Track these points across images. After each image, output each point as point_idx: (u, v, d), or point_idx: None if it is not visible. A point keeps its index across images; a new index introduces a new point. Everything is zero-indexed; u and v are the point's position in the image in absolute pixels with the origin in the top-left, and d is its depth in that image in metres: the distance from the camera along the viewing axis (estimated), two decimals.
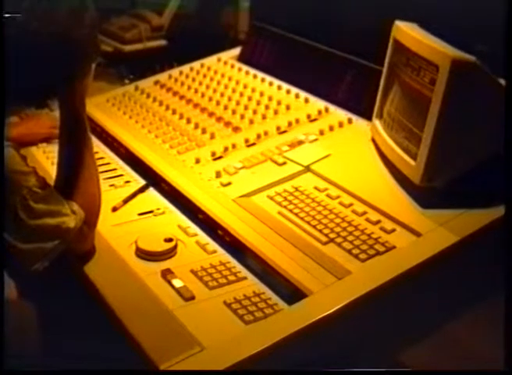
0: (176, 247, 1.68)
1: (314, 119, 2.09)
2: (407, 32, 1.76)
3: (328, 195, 1.77)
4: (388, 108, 1.86)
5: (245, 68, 2.45)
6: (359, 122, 2.06)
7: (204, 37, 2.80)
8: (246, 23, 2.91)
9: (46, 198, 1.51)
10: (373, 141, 1.93)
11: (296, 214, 1.71)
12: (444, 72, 1.55)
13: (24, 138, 2.16)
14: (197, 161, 1.96)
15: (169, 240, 1.69)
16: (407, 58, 1.73)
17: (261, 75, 2.39)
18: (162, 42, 2.86)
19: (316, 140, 2.00)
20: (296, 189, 1.81)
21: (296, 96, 2.21)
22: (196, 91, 2.36)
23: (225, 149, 1.99)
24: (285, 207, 1.75)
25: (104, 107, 2.37)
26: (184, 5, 2.92)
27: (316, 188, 1.80)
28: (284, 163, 1.90)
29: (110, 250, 1.68)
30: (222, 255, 1.66)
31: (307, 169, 1.88)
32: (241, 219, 1.71)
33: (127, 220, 1.81)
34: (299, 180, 1.85)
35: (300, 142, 1.98)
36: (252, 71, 2.43)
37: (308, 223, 1.68)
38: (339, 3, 2.32)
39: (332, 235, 1.62)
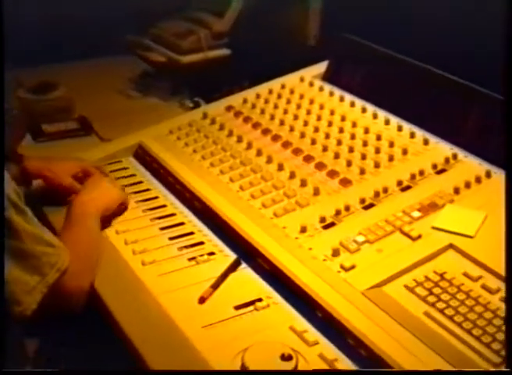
0: (296, 367, 1.26)
1: (442, 170, 1.67)
2: None
3: (484, 287, 1.34)
4: None
5: (337, 92, 2.02)
6: (499, 175, 1.62)
7: (271, 43, 2.36)
8: (317, 25, 2.46)
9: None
10: None
11: (450, 317, 1.30)
12: None
13: (47, 182, 1.77)
14: (303, 229, 1.54)
15: (288, 357, 1.28)
16: None
17: (359, 103, 1.95)
18: (225, 51, 2.41)
19: (452, 201, 1.57)
20: (442, 277, 1.39)
21: (412, 135, 1.78)
22: (282, 122, 1.94)
23: (337, 212, 1.57)
24: (433, 305, 1.34)
25: (167, 142, 1.95)
26: (246, 6, 2.46)
27: (467, 275, 1.39)
28: (419, 237, 1.48)
29: (206, 366, 1.28)
30: None
31: (450, 245, 1.45)
32: (377, 322, 1.31)
33: (221, 318, 1.40)
34: (441, 262, 1.44)
35: (433, 205, 1.56)
36: (347, 97, 1.99)
37: (469, 332, 1.26)
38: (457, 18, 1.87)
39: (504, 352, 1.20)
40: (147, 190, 1.84)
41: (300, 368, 1.28)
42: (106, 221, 1.67)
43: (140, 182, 1.88)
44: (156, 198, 1.80)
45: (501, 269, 1.36)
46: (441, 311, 1.33)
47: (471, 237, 1.46)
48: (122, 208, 1.74)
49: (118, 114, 2.32)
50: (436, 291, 1.37)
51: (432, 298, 1.35)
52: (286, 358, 1.28)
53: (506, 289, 1.31)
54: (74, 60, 2.59)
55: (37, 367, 1.58)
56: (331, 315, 1.36)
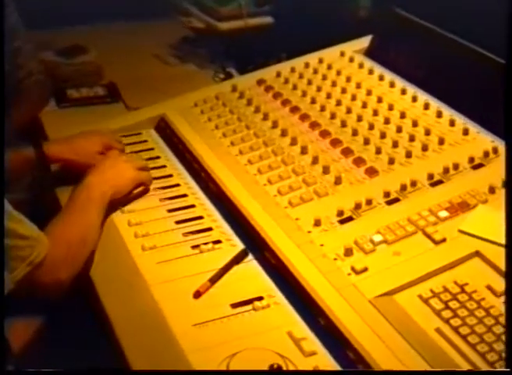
0: None
1: (479, 165, 1.49)
2: None
3: None
4: None
5: (378, 70, 1.85)
6: None
7: (317, 13, 2.19)
8: None
9: None
10: None
11: (464, 337, 1.14)
12: None
13: (71, 165, 1.64)
14: (317, 222, 1.39)
15: (277, 369, 1.14)
16: None
17: (399, 83, 1.78)
18: (267, 20, 2.25)
19: (485, 201, 1.40)
20: (462, 289, 1.23)
21: (452, 123, 1.60)
22: (313, 100, 1.78)
23: (357, 206, 1.42)
24: (447, 322, 1.18)
25: (190, 115, 1.82)
26: None
27: (490, 289, 1.22)
28: (443, 240, 1.32)
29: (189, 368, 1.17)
30: None
31: (476, 252, 1.29)
32: (382, 337, 1.17)
33: (215, 317, 1.27)
34: (464, 272, 1.28)
35: (464, 205, 1.39)
36: (388, 76, 1.82)
37: (483, 356, 1.11)
38: None
39: None
40: (163, 166, 1.73)
41: None
42: (118, 203, 1.56)
43: (157, 157, 1.76)
44: (170, 176, 1.69)
45: None
46: (455, 329, 1.18)
47: (501, 245, 1.29)
48: (141, 191, 1.62)
49: (151, 81, 2.21)
50: (453, 305, 1.22)
51: (447, 313, 1.20)
52: (274, 369, 1.14)
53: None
54: (112, 22, 2.47)
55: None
56: (333, 323, 1.21)
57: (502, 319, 1.17)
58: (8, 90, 1.54)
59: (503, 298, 1.21)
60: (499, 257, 1.27)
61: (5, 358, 1.18)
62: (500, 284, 1.23)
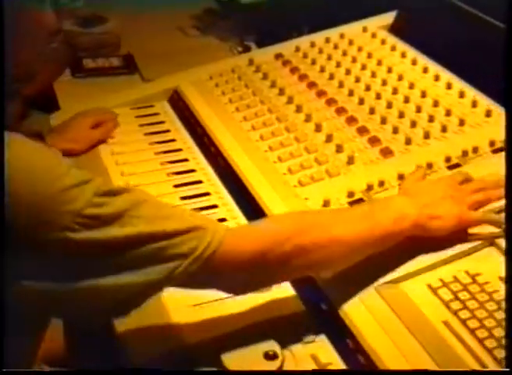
0: (281, 367, 1.07)
1: (500, 149, 1.41)
2: None
3: None
4: None
5: (400, 47, 1.77)
6: None
7: None
8: None
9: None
10: None
11: (472, 331, 1.08)
12: None
13: (70, 154, 1.60)
14: (326, 203, 1.34)
15: (273, 356, 1.09)
16: None
17: (422, 61, 1.70)
18: None
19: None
20: (474, 280, 1.16)
21: (474, 104, 1.53)
22: (331, 76, 1.71)
23: (369, 187, 1.35)
24: (455, 314, 1.11)
25: (205, 88, 1.76)
26: None
27: (503, 281, 1.15)
28: None
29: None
30: None
31: (491, 242, 1.22)
32: (385, 327, 1.11)
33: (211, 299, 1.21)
34: (477, 262, 1.20)
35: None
36: (410, 53, 1.74)
37: (490, 352, 1.05)
38: None
39: None
40: (172, 140, 1.67)
41: (285, 368, 1.09)
42: None
43: (167, 131, 1.70)
44: (179, 150, 1.63)
45: None
46: (463, 322, 1.11)
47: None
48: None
49: (169, 53, 2.15)
50: (463, 296, 1.15)
51: (455, 305, 1.14)
52: (269, 356, 1.09)
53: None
54: None
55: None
56: (334, 309, 1.15)
57: None
58: None
59: None
60: None
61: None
62: None
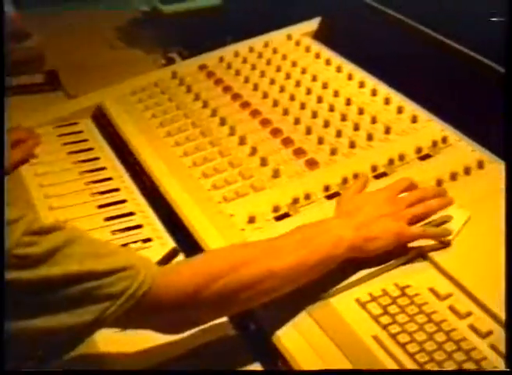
0: None
1: (426, 156, 1.40)
2: None
3: (452, 309, 1.09)
4: None
5: (325, 54, 1.75)
6: (493, 166, 1.35)
7: None
8: None
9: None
10: None
11: (402, 346, 1.05)
12: None
13: None
14: (251, 219, 1.30)
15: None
16: None
17: (347, 68, 1.68)
18: (214, 1, 2.14)
19: None
20: (403, 292, 1.14)
21: (400, 110, 1.51)
22: (255, 87, 1.68)
23: (295, 201, 1.32)
24: (385, 328, 1.08)
25: (128, 103, 1.72)
26: None
27: (433, 292, 1.13)
28: None
29: None
30: None
31: (421, 255, 1.20)
32: (308, 340, 1.09)
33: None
34: (407, 273, 1.18)
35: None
36: (335, 60, 1.72)
37: (421, 367, 1.02)
38: None
39: None
40: (96, 159, 1.62)
41: None
42: None
43: (91, 149, 1.65)
44: (103, 168, 1.58)
45: (476, 288, 1.11)
46: (393, 336, 1.08)
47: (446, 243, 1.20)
48: None
49: (95, 67, 2.09)
50: (392, 309, 1.12)
51: (385, 319, 1.11)
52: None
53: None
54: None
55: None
56: (264, 332, 1.12)
57: (445, 326, 1.08)
58: None
59: (447, 303, 1.12)
60: (444, 255, 1.19)
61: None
62: (445, 286, 1.14)
